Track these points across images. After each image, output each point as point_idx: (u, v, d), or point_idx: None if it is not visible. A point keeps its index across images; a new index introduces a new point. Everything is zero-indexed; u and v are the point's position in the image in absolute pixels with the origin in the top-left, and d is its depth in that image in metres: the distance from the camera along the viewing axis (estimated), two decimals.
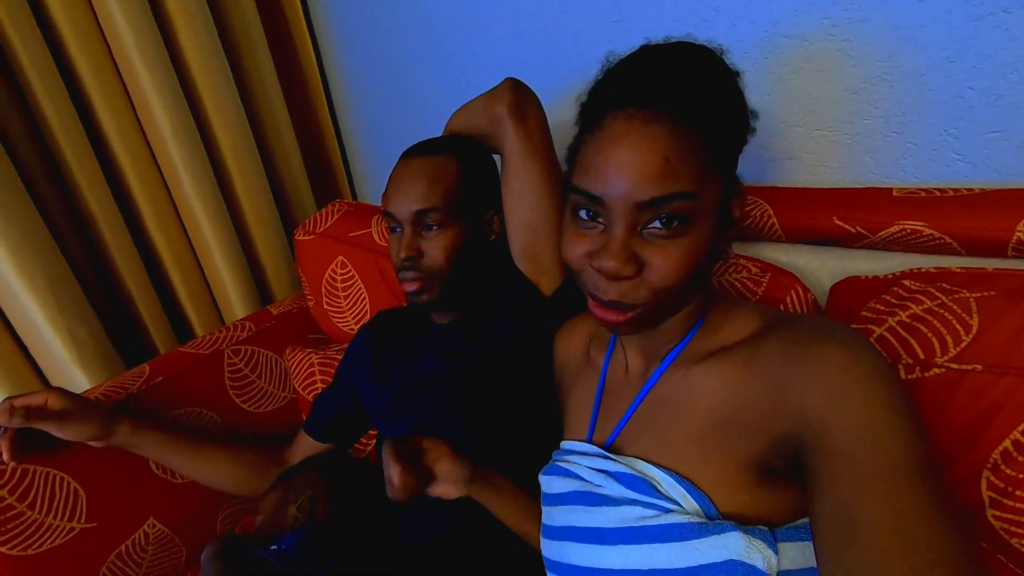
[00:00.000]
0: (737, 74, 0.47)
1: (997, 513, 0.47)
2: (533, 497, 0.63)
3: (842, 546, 0.35)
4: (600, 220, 0.45)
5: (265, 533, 0.78)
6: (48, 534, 0.78)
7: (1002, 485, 0.47)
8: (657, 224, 0.42)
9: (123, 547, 0.84)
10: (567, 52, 0.98)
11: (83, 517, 0.81)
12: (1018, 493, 0.46)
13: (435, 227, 0.72)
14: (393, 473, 0.57)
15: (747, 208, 0.74)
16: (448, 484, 0.61)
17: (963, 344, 0.49)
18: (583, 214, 0.46)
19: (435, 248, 0.72)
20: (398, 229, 0.74)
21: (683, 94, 0.42)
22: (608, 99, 0.44)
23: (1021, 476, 0.46)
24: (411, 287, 0.74)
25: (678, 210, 0.42)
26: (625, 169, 0.41)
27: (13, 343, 1.03)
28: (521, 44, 1.04)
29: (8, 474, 0.76)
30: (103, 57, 1.06)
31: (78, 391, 0.86)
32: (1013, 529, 0.47)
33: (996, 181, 0.66)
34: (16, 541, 0.75)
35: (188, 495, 0.91)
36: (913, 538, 0.33)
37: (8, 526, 0.75)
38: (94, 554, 0.82)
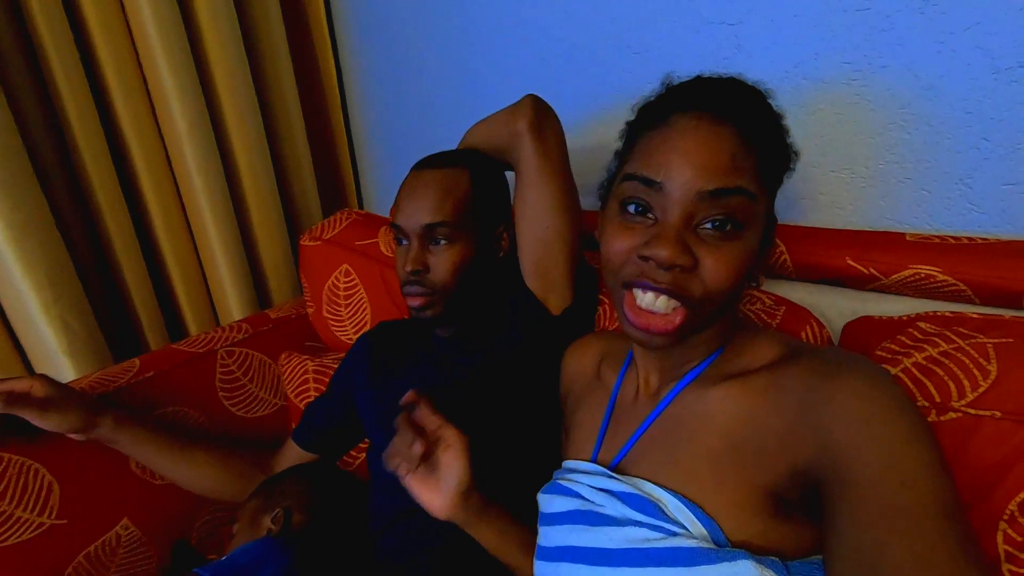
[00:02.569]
0: (782, 115, 0.48)
1: (1014, 568, 0.46)
2: (527, 528, 0.60)
3: None
4: (651, 215, 0.44)
5: (240, 542, 0.75)
6: (15, 527, 0.74)
7: (1019, 539, 0.45)
8: (710, 225, 0.42)
9: (92, 548, 0.80)
10: (589, 79, 1.00)
11: (54, 512, 0.78)
12: None
13: (443, 241, 0.71)
14: (405, 440, 0.54)
15: None
16: (442, 493, 0.55)
17: (981, 389, 0.48)
18: (632, 208, 0.45)
19: (442, 263, 0.71)
20: (405, 242, 0.73)
21: (745, 109, 0.44)
22: (675, 102, 0.45)
23: None
24: (415, 302, 0.73)
25: (736, 208, 0.42)
26: (691, 158, 0.42)
27: (2, 327, 1.01)
28: (543, 67, 1.05)
29: None
30: (126, 50, 1.07)
31: (64, 381, 0.83)
32: None
33: (1009, 232, 0.67)
34: None
35: (167, 498, 0.88)
36: (938, 574, 0.32)
37: None
38: (61, 553, 0.78)
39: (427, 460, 0.55)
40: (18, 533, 0.75)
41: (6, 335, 1.02)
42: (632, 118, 0.51)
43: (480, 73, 1.16)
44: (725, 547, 0.40)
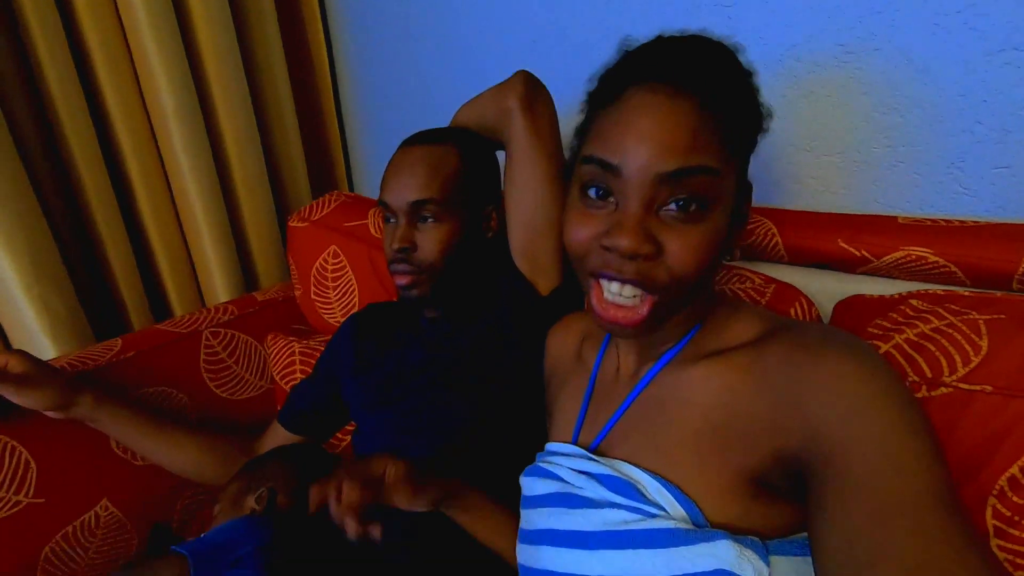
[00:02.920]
0: (751, 72, 0.46)
1: (1002, 543, 0.45)
2: (511, 514, 0.59)
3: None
4: (611, 199, 0.42)
5: (222, 523, 0.73)
6: None
7: (1008, 514, 0.45)
8: (674, 206, 0.40)
9: (71, 527, 0.79)
10: (580, 62, 0.99)
11: (31, 491, 0.76)
12: None
13: (431, 219, 0.70)
14: (338, 486, 0.49)
15: (751, 226, 0.73)
16: (411, 504, 0.54)
17: (972, 364, 0.47)
18: (592, 192, 0.43)
19: (430, 241, 0.70)
20: (392, 219, 0.72)
21: (706, 74, 0.41)
22: (629, 75, 0.42)
23: None
24: (402, 280, 0.72)
25: (700, 188, 0.39)
26: (648, 138, 0.39)
27: None
28: (534, 50, 1.04)
29: None
30: (113, 29, 1.05)
31: (43, 359, 0.81)
32: (1018, 561, 0.44)
33: (1001, 216, 0.67)
34: None
35: (148, 479, 0.86)
36: (942, 571, 0.30)
37: None
38: (38, 532, 0.76)
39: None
40: None
41: None
42: (592, 87, 0.48)
43: (471, 55, 1.15)
44: (704, 528, 0.40)
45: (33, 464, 0.77)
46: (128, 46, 1.08)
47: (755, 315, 0.47)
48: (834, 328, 0.44)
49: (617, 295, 0.42)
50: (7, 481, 0.74)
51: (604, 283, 0.43)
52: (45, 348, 0.99)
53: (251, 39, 1.25)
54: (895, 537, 0.31)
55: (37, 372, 0.73)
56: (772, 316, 0.47)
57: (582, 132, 0.47)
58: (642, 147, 0.39)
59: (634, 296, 0.42)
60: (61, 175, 1.06)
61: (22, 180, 0.95)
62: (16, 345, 1.01)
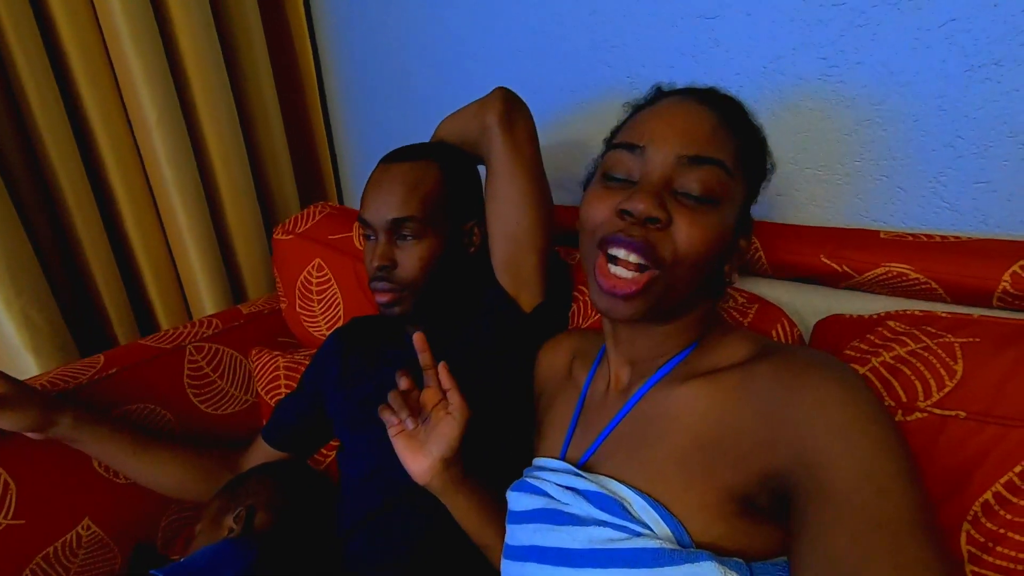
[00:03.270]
0: (760, 127, 0.51)
1: (976, 569, 0.45)
2: (501, 509, 0.59)
3: None
4: (632, 180, 0.46)
5: (203, 542, 0.73)
6: None
7: (982, 539, 0.45)
8: (687, 192, 0.44)
9: (52, 549, 0.78)
10: (566, 72, 0.98)
11: (11, 512, 0.75)
12: (999, 549, 0.44)
13: (411, 237, 0.70)
14: (401, 397, 0.56)
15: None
16: (425, 457, 0.55)
17: (947, 389, 0.47)
18: (615, 175, 0.47)
19: (410, 258, 0.70)
20: (373, 237, 0.72)
21: (727, 103, 0.49)
22: (664, 93, 0.51)
23: (1002, 531, 0.44)
24: (383, 298, 0.71)
25: (715, 180, 0.44)
26: (676, 126, 0.45)
27: None
28: (519, 61, 1.04)
29: None
30: (93, 37, 1.04)
31: (24, 377, 0.81)
32: None
33: (982, 231, 0.66)
34: None
35: (131, 497, 0.85)
36: None
37: None
38: (19, 553, 0.76)
39: (420, 422, 0.56)
40: None
41: None
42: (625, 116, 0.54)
43: (459, 65, 1.15)
44: (689, 548, 0.40)
45: (13, 485, 0.76)
46: (108, 55, 1.06)
47: (745, 338, 0.48)
48: (820, 352, 0.44)
49: (622, 265, 0.45)
50: None
51: (611, 252, 0.45)
52: (28, 364, 0.99)
53: (235, 47, 1.24)
54: (873, 557, 0.32)
55: (13, 392, 0.72)
56: (762, 339, 0.48)
57: (613, 134, 0.52)
58: (668, 132, 0.45)
59: (636, 267, 0.44)
60: (41, 187, 1.05)
61: (3, 197, 0.93)
62: None
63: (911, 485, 0.34)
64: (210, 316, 1.06)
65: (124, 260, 1.18)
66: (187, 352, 0.97)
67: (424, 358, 0.58)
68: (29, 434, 0.74)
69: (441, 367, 0.57)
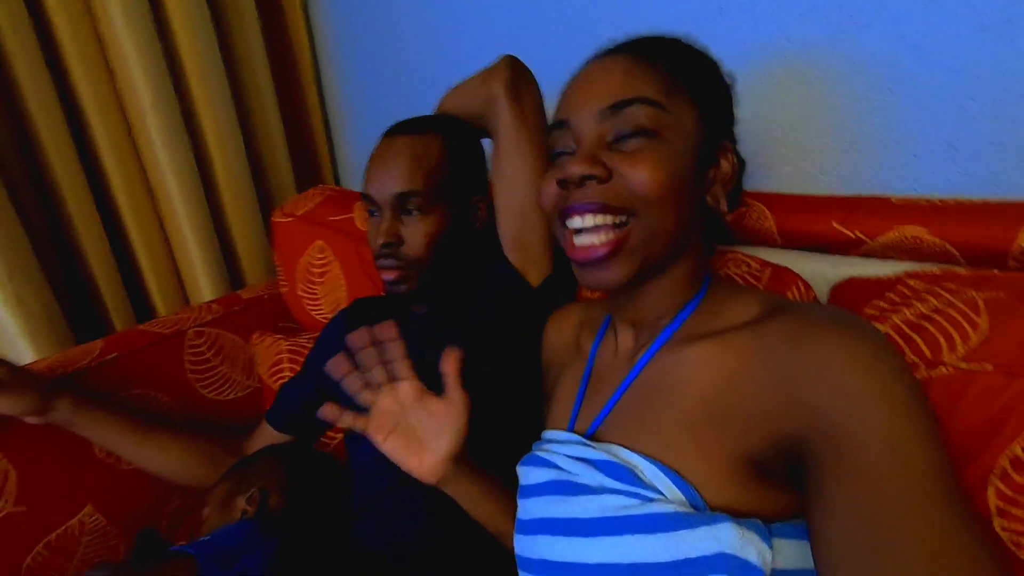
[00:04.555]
0: (696, 45, 0.52)
1: (1005, 524, 0.45)
2: (512, 495, 0.58)
3: (862, 564, 0.32)
4: (572, 153, 0.46)
5: (212, 526, 0.71)
6: None
7: (1011, 494, 0.44)
8: (620, 137, 0.44)
9: (54, 536, 0.77)
10: (567, 49, 0.97)
11: (12, 499, 0.74)
12: None
13: (416, 212, 0.68)
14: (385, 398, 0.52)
15: (744, 209, 0.72)
16: (431, 456, 0.51)
17: (972, 343, 0.46)
18: (557, 154, 0.48)
19: (415, 235, 0.68)
20: (376, 213, 0.70)
21: (638, 42, 0.48)
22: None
23: None
24: (389, 276, 0.70)
25: (641, 116, 0.43)
26: (587, 88, 0.45)
27: None
28: (520, 37, 1.02)
29: None
30: (85, 19, 1.02)
31: (21, 364, 0.79)
32: (1022, 540, 0.44)
33: (996, 194, 0.66)
34: None
35: (134, 484, 0.84)
36: (945, 559, 0.30)
37: None
38: (20, 541, 0.74)
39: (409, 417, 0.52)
40: None
41: None
42: None
43: (457, 43, 1.13)
44: (704, 511, 0.39)
45: (13, 472, 0.74)
46: (101, 38, 1.04)
47: (754, 296, 0.46)
48: (835, 307, 0.43)
49: (586, 233, 0.45)
50: None
51: (570, 224, 0.46)
52: (23, 350, 0.97)
53: (230, 30, 1.22)
54: (899, 526, 0.31)
55: (12, 377, 0.70)
56: (772, 297, 0.46)
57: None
58: (584, 95, 0.46)
59: (602, 229, 0.44)
60: (34, 171, 1.03)
61: None
62: None
63: (932, 448, 0.33)
64: (210, 302, 1.05)
65: (120, 246, 1.16)
66: (187, 337, 0.95)
67: (396, 348, 0.53)
68: (28, 419, 0.73)
69: (452, 358, 0.52)
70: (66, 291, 1.08)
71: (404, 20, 1.20)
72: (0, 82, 0.97)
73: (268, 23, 1.30)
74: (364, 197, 0.71)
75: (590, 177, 0.43)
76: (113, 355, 0.87)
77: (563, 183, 0.45)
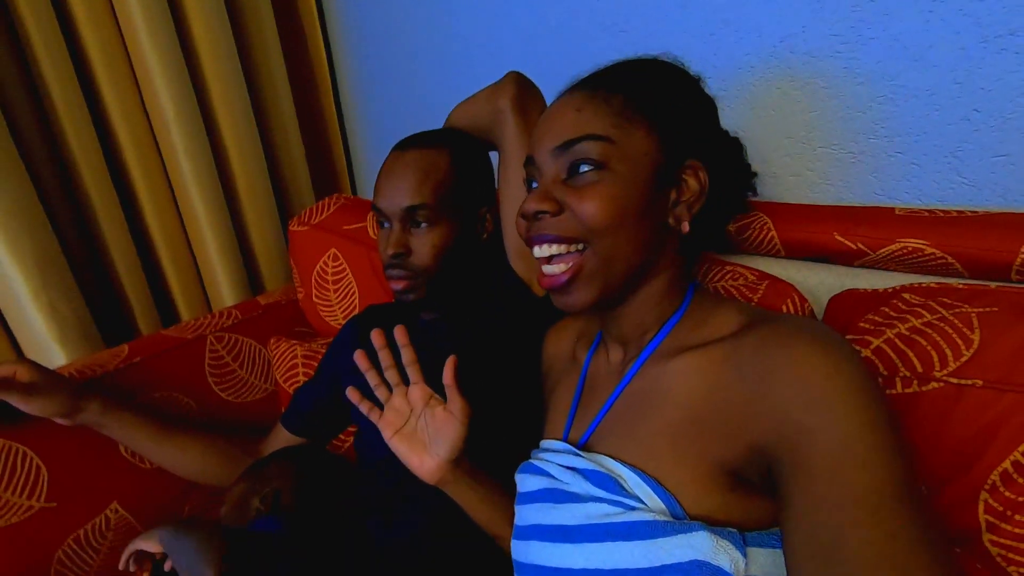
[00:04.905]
0: (669, 65, 0.53)
1: (994, 538, 0.45)
2: (511, 499, 0.60)
3: (819, 569, 0.34)
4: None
5: (228, 524, 0.75)
6: (5, 511, 0.75)
7: (1000, 508, 0.45)
8: (570, 173, 0.47)
9: (82, 531, 0.81)
10: (575, 59, 0.98)
11: (43, 496, 0.78)
12: (1017, 517, 0.44)
13: (424, 224, 0.70)
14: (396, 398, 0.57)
15: (746, 220, 0.73)
16: (431, 457, 0.55)
17: (963, 359, 0.47)
18: (532, 184, 0.52)
19: (424, 246, 0.71)
20: (387, 224, 0.73)
21: (604, 72, 0.51)
22: None
23: (1021, 499, 0.44)
24: (398, 285, 0.72)
25: (589, 152, 0.46)
26: (546, 127, 0.49)
27: None
28: (530, 48, 1.04)
29: None
30: (112, 34, 1.06)
31: (52, 367, 0.83)
32: (1010, 556, 0.44)
33: (1001, 205, 0.66)
34: None
35: (156, 482, 0.88)
36: (896, 564, 0.31)
37: None
38: (51, 536, 0.78)
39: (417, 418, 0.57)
40: (7, 516, 0.75)
41: None
42: None
43: (467, 55, 1.15)
44: (683, 520, 0.40)
45: (44, 469, 0.78)
46: (127, 51, 1.09)
47: (737, 309, 0.48)
48: (811, 320, 0.44)
49: (547, 259, 0.49)
50: (20, 486, 0.76)
51: (538, 251, 0.49)
52: (55, 354, 1.02)
53: (249, 42, 1.26)
54: (853, 529, 0.33)
55: (44, 380, 0.74)
56: (753, 309, 0.47)
57: None
58: (541, 135, 0.49)
59: (562, 255, 0.48)
60: (65, 183, 1.08)
61: (27, 189, 0.96)
62: (27, 351, 1.03)
63: (893, 457, 0.34)
64: (229, 307, 1.09)
65: (145, 253, 1.21)
66: (208, 342, 0.99)
67: (406, 353, 0.57)
68: (58, 420, 0.77)
69: (448, 364, 0.55)
70: (95, 297, 1.12)
71: (417, 37, 1.23)
72: (33, 97, 1.02)
73: (287, 38, 1.34)
74: (374, 209, 0.73)
75: (544, 212, 0.47)
76: (138, 359, 0.91)
77: (524, 216, 0.49)
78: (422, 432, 0.56)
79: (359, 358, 0.58)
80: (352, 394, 0.59)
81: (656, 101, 0.48)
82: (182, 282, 1.24)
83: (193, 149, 1.13)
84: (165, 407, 0.92)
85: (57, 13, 1.00)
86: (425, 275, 0.71)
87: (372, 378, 0.58)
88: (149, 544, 0.62)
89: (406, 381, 0.58)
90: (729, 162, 0.54)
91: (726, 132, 0.56)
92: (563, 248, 0.47)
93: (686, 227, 0.48)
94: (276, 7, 1.29)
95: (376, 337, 0.57)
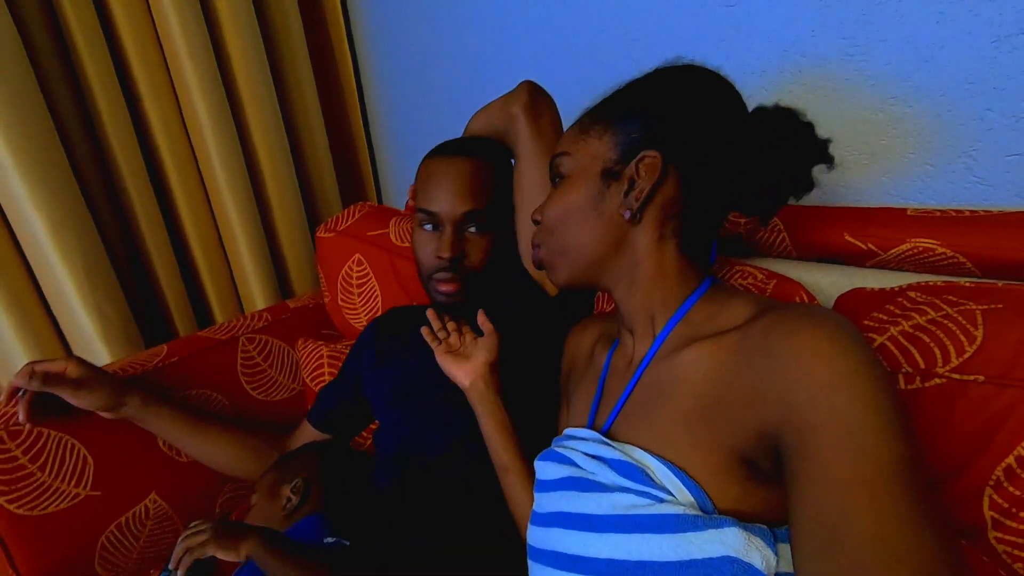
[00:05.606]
0: (683, 71, 0.53)
1: (999, 535, 0.45)
2: (522, 442, 0.65)
3: (821, 554, 0.33)
4: None
5: (260, 511, 0.78)
6: (54, 497, 0.80)
7: (1005, 505, 0.44)
8: (554, 182, 0.57)
9: (123, 519, 0.86)
10: (589, 67, 1.01)
11: (89, 484, 0.83)
12: (1022, 514, 0.44)
13: (474, 228, 0.73)
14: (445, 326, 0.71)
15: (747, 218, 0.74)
16: (471, 363, 0.66)
17: (966, 355, 0.47)
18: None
19: (476, 250, 0.74)
20: (430, 227, 0.75)
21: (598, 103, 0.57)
22: None
23: None
24: (449, 288, 0.74)
25: (557, 166, 0.56)
26: None
27: (45, 315, 1.08)
28: (546, 58, 1.07)
29: (24, 435, 0.79)
30: (154, 51, 1.14)
31: (98, 365, 0.89)
32: (1016, 553, 0.44)
33: (1017, 204, 0.65)
34: (24, 500, 0.78)
35: (191, 474, 0.93)
36: (897, 548, 0.31)
37: (18, 485, 0.78)
38: (95, 522, 0.83)
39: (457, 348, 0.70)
40: (57, 502, 0.80)
41: (48, 322, 1.09)
42: None
43: (485, 67, 1.19)
44: (713, 514, 0.40)
45: (90, 460, 0.84)
46: (168, 68, 1.16)
47: (750, 300, 0.48)
48: (820, 307, 0.44)
49: None
50: (68, 475, 0.82)
51: None
52: (100, 353, 1.08)
53: (280, 57, 1.33)
54: (852, 511, 0.33)
55: (90, 376, 0.80)
56: (766, 300, 0.47)
57: None
58: None
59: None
60: (111, 192, 1.15)
61: (78, 201, 1.03)
62: (76, 349, 1.11)
63: (896, 442, 0.34)
64: (261, 310, 1.14)
65: (183, 259, 1.28)
66: (240, 343, 1.04)
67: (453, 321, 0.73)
68: (102, 413, 0.82)
69: (480, 313, 0.68)
70: (137, 300, 1.19)
71: (438, 51, 1.27)
72: (83, 113, 1.09)
73: (316, 53, 1.40)
74: (423, 212, 0.75)
75: (534, 220, 0.60)
76: (176, 358, 0.96)
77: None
78: (464, 351, 0.69)
79: (430, 313, 0.73)
80: (431, 315, 0.73)
81: (616, 105, 0.53)
82: (217, 286, 1.31)
83: (227, 159, 1.20)
84: (200, 404, 0.97)
85: (105, 33, 1.08)
86: (474, 278, 0.74)
87: (435, 323, 0.73)
88: (228, 555, 0.66)
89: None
90: (720, 155, 0.51)
91: (736, 124, 0.52)
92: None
93: (627, 215, 0.50)
94: (305, 23, 1.36)
95: (431, 315, 0.73)
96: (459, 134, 0.89)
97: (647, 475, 0.44)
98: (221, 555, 0.65)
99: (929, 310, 0.51)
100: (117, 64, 1.11)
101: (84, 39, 1.04)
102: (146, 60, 1.13)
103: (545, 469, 0.56)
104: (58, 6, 1.02)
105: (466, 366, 0.67)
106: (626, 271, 0.52)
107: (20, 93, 0.95)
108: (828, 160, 0.55)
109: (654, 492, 0.43)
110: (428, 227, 0.75)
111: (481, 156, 0.75)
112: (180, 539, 0.68)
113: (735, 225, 0.75)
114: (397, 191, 1.58)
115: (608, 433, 0.52)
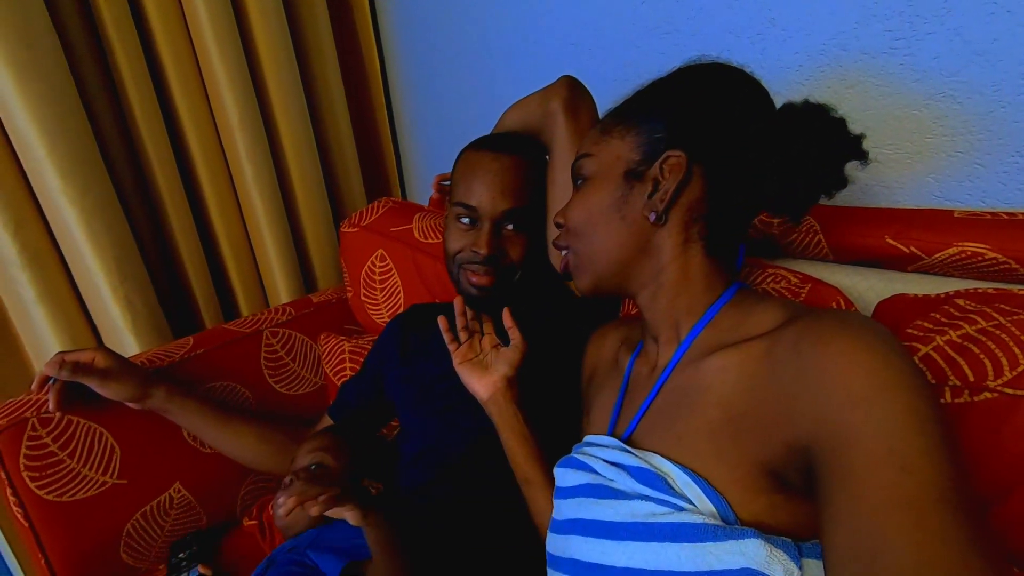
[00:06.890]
0: (708, 69, 0.52)
1: None
2: (545, 453, 0.64)
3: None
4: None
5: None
6: (82, 484, 0.82)
7: None
8: (575, 183, 0.57)
9: (148, 507, 0.87)
10: (620, 62, 0.99)
11: (116, 473, 0.85)
12: None
13: (512, 226, 0.72)
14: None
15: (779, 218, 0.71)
16: (490, 375, 0.65)
17: (1020, 368, 0.44)
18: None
19: (515, 247, 0.73)
20: (472, 222, 0.73)
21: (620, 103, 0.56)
22: None
23: None
24: (483, 280, 0.73)
25: (579, 168, 0.55)
26: None
27: (77, 304, 1.11)
28: (576, 54, 1.05)
29: (54, 423, 0.81)
30: (185, 49, 1.16)
31: (126, 355, 0.91)
32: None
33: None
34: (54, 487, 0.80)
35: (214, 465, 0.94)
36: (940, 573, 0.29)
37: (48, 472, 0.80)
38: (121, 510, 0.85)
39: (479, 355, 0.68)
40: (85, 489, 0.82)
41: (80, 312, 1.12)
42: None
43: (513, 62, 1.17)
44: (734, 525, 0.39)
45: (118, 449, 0.85)
46: (199, 65, 1.18)
47: (779, 305, 0.46)
48: (856, 314, 0.42)
49: None
50: (96, 463, 0.83)
51: None
52: (129, 343, 1.11)
53: (308, 56, 1.34)
54: (895, 534, 0.31)
55: (118, 367, 0.81)
56: (797, 305, 0.45)
57: None
58: None
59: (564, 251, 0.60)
60: (142, 186, 1.18)
61: (110, 194, 1.06)
62: (106, 339, 1.13)
63: (940, 460, 0.32)
64: (284, 304, 1.15)
65: (211, 253, 1.30)
66: (264, 336, 1.05)
67: (488, 325, 0.71)
68: (130, 404, 0.83)
69: (505, 311, 0.67)
70: (166, 293, 1.22)
71: (465, 48, 1.26)
72: (116, 109, 1.12)
73: (343, 51, 1.41)
74: (461, 206, 0.74)
75: (557, 223, 0.58)
76: (202, 350, 0.98)
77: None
78: (485, 362, 0.67)
79: (441, 320, 0.70)
80: (442, 322, 0.70)
81: (638, 105, 0.52)
82: (243, 279, 1.33)
83: (255, 154, 1.21)
84: (224, 396, 0.98)
85: (138, 29, 1.10)
86: (510, 274, 0.73)
87: (449, 338, 0.70)
88: (354, 517, 0.56)
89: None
90: (746, 153, 0.49)
91: (763, 122, 0.50)
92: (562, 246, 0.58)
93: (652, 217, 0.48)
94: (333, 18, 1.36)
95: (457, 304, 0.71)
96: (485, 130, 0.88)
97: (667, 483, 0.43)
98: (348, 516, 0.56)
99: (979, 319, 0.48)
100: (149, 61, 1.13)
101: (118, 36, 1.06)
102: (177, 57, 1.14)
103: (564, 476, 0.55)
104: (94, 5, 1.04)
105: (485, 379, 0.65)
106: (651, 276, 0.51)
107: (56, 88, 0.97)
108: (862, 156, 0.52)
109: (673, 500, 0.41)
110: (465, 220, 0.74)
111: (523, 153, 0.74)
112: (283, 494, 0.57)
113: (767, 225, 0.72)
114: (421, 187, 1.58)
115: (629, 440, 0.51)
